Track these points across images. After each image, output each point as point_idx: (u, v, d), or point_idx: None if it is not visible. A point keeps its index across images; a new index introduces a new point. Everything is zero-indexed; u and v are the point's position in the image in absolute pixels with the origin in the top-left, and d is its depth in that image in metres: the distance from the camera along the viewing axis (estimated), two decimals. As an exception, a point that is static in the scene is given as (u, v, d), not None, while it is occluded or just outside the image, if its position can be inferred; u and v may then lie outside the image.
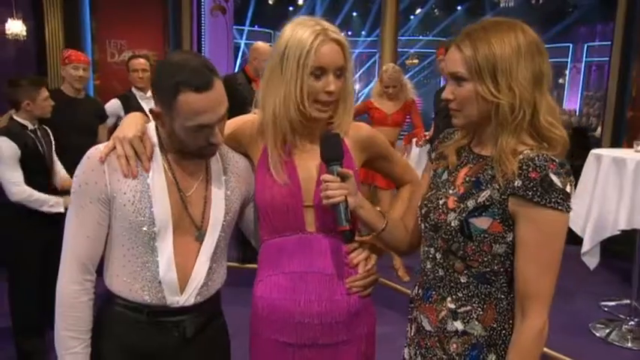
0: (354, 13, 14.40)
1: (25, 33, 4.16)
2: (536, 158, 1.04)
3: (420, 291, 1.26)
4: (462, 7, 14.02)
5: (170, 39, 5.34)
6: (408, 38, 14.48)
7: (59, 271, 1.21)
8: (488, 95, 1.06)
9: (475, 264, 1.12)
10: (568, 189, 1.04)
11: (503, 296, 1.13)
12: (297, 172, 1.31)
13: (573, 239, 3.29)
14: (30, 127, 2.63)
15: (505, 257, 1.10)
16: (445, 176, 1.21)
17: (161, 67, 1.19)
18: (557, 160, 1.04)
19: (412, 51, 14.62)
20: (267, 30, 13.49)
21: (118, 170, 1.19)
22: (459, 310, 1.15)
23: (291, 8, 13.16)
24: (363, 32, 14.70)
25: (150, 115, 1.25)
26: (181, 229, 1.24)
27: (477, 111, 1.10)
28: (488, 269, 1.12)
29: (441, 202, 1.16)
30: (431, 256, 1.20)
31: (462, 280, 1.15)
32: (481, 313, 1.13)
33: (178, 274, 1.23)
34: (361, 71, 14.69)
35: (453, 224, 1.11)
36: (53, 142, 2.79)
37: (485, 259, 1.11)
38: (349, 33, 14.65)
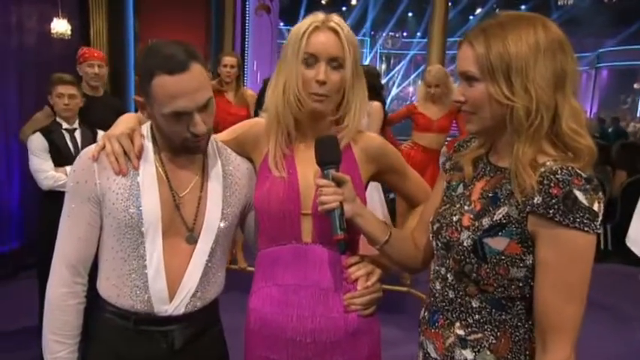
0: (410, 14, 14.06)
1: (70, 32, 4.29)
2: (559, 172, 0.93)
3: (426, 314, 1.17)
4: (527, 6, 13.43)
5: (212, 39, 5.42)
6: (467, 39, 13.94)
7: (50, 272, 1.20)
8: (502, 97, 0.98)
9: (490, 288, 1.03)
10: (596, 207, 0.93)
11: (520, 324, 1.03)
12: (297, 178, 1.25)
13: (634, 260, 3.00)
14: (65, 126, 2.70)
15: (524, 282, 1.00)
16: (460, 190, 1.13)
17: (140, 55, 1.18)
18: (583, 175, 0.93)
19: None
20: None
21: (108, 168, 1.17)
22: (468, 338, 1.06)
23: (344, 8, 13.12)
24: (419, 33, 14.34)
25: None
26: (172, 231, 1.19)
27: (491, 115, 1.02)
28: (504, 295, 1.02)
29: (455, 218, 1.07)
30: (441, 276, 1.12)
31: (474, 305, 1.06)
32: (494, 341, 1.04)
33: (168, 280, 1.18)
34: (415, 74, 14.26)
35: (465, 244, 1.03)
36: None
37: (502, 283, 1.01)
38: (404, 34, 14.30)
